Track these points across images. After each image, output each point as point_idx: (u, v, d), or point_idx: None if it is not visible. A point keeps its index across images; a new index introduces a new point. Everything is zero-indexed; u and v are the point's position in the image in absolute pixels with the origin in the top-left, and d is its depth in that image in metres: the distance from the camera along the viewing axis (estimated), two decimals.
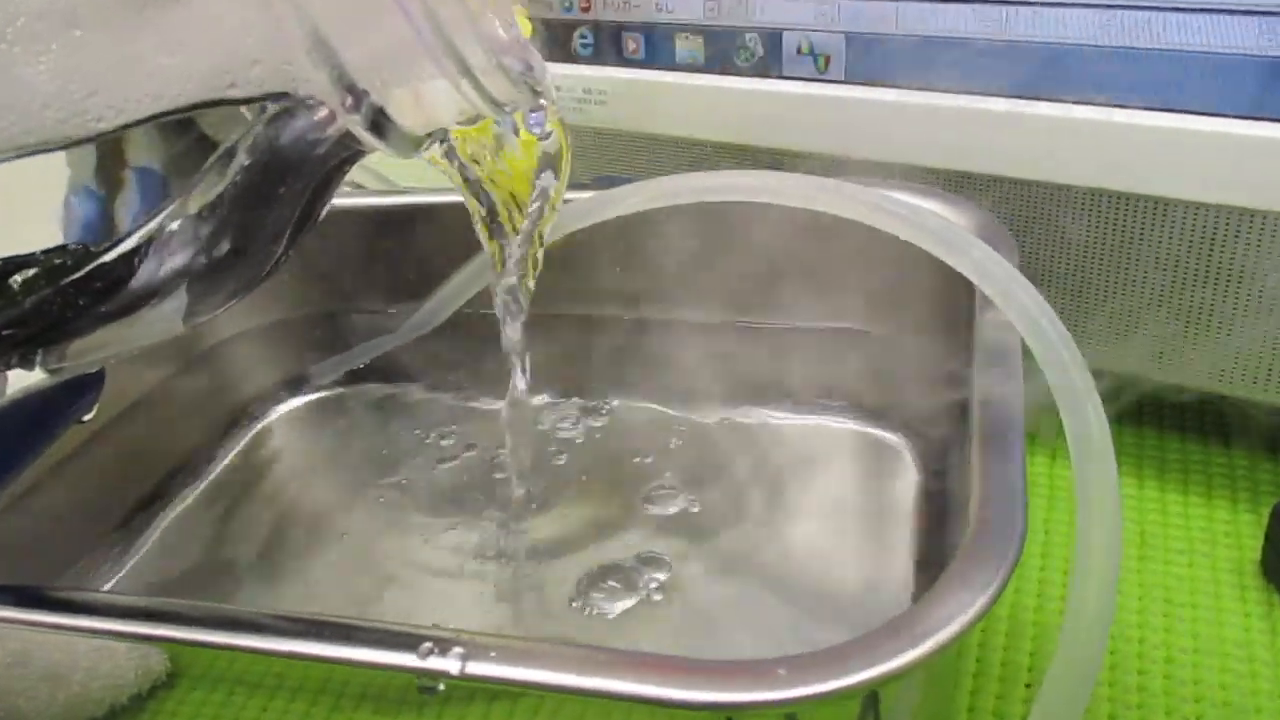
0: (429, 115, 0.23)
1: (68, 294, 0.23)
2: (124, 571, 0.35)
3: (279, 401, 0.41)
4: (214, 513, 0.37)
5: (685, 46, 0.42)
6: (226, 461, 0.39)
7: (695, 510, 0.36)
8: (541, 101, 0.25)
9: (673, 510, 0.36)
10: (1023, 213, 0.37)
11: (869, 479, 0.36)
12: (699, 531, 0.35)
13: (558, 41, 0.45)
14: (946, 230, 0.27)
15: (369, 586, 0.34)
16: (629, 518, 0.35)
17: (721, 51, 0.41)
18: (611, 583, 0.33)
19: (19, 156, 0.19)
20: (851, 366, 0.38)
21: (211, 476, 0.38)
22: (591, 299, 0.40)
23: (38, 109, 0.19)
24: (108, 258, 0.22)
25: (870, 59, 0.38)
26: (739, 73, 0.41)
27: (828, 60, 0.39)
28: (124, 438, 0.36)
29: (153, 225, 0.23)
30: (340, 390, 0.42)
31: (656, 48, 0.42)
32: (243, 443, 0.40)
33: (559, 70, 0.44)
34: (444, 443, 0.40)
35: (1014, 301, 0.25)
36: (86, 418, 0.30)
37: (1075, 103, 0.34)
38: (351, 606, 0.33)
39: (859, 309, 0.37)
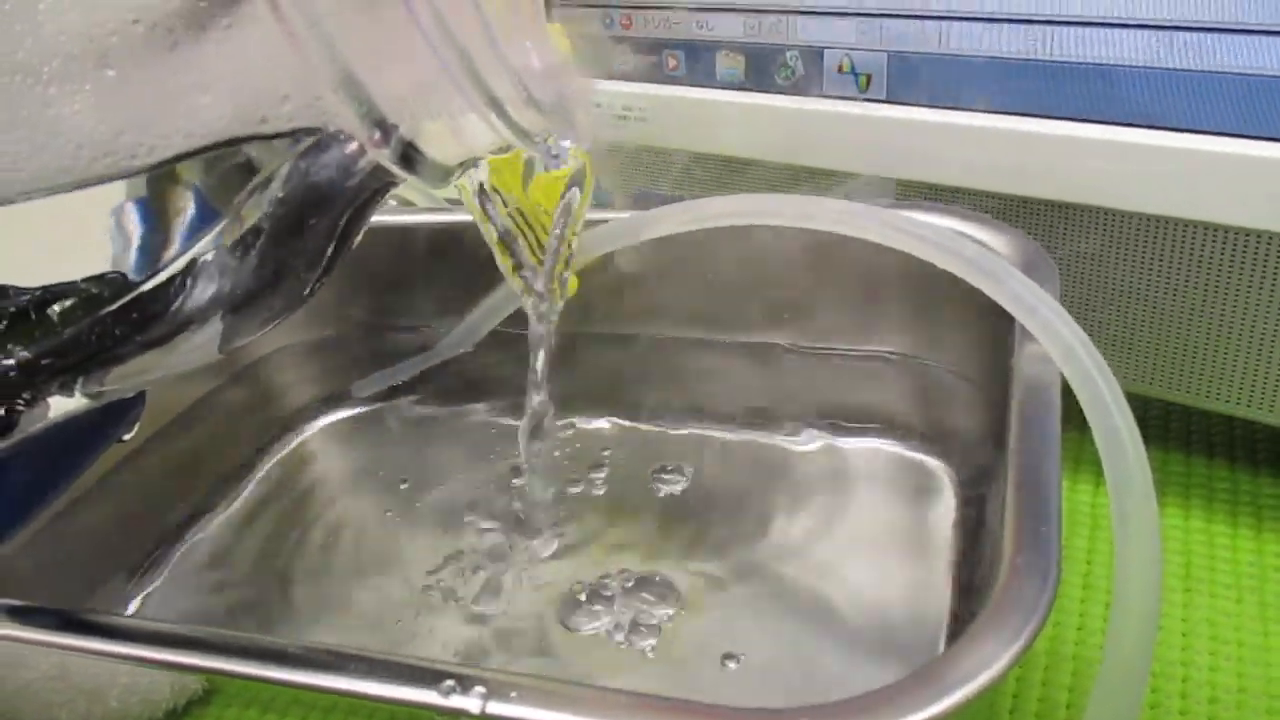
0: (460, 147, 0.23)
1: (106, 323, 0.23)
2: (164, 584, 0.35)
3: (319, 416, 0.42)
4: (253, 526, 0.37)
5: (726, 64, 0.41)
6: (265, 475, 0.40)
7: (727, 532, 0.36)
8: (573, 132, 0.25)
9: (704, 532, 0.36)
10: (1066, 236, 0.36)
11: (907, 503, 0.35)
12: (731, 554, 0.35)
13: (600, 58, 0.45)
14: (985, 260, 0.27)
15: (401, 603, 0.34)
16: (657, 540, 0.35)
17: (762, 69, 0.41)
18: (639, 608, 0.33)
19: (52, 194, 0.20)
20: (891, 390, 0.37)
21: (251, 490, 0.39)
22: (624, 317, 0.40)
23: (72, 149, 0.19)
24: (145, 288, 0.23)
25: (912, 78, 0.37)
26: (779, 91, 0.40)
27: (869, 79, 0.38)
28: (168, 452, 0.37)
29: (189, 255, 0.23)
30: (380, 405, 0.42)
31: (697, 65, 0.42)
32: (281, 456, 0.40)
33: (599, 86, 0.44)
34: (480, 460, 0.40)
35: (1052, 335, 0.25)
36: (127, 437, 0.30)
37: (1123, 125, 0.34)
38: (383, 623, 0.34)
39: (900, 333, 0.37)
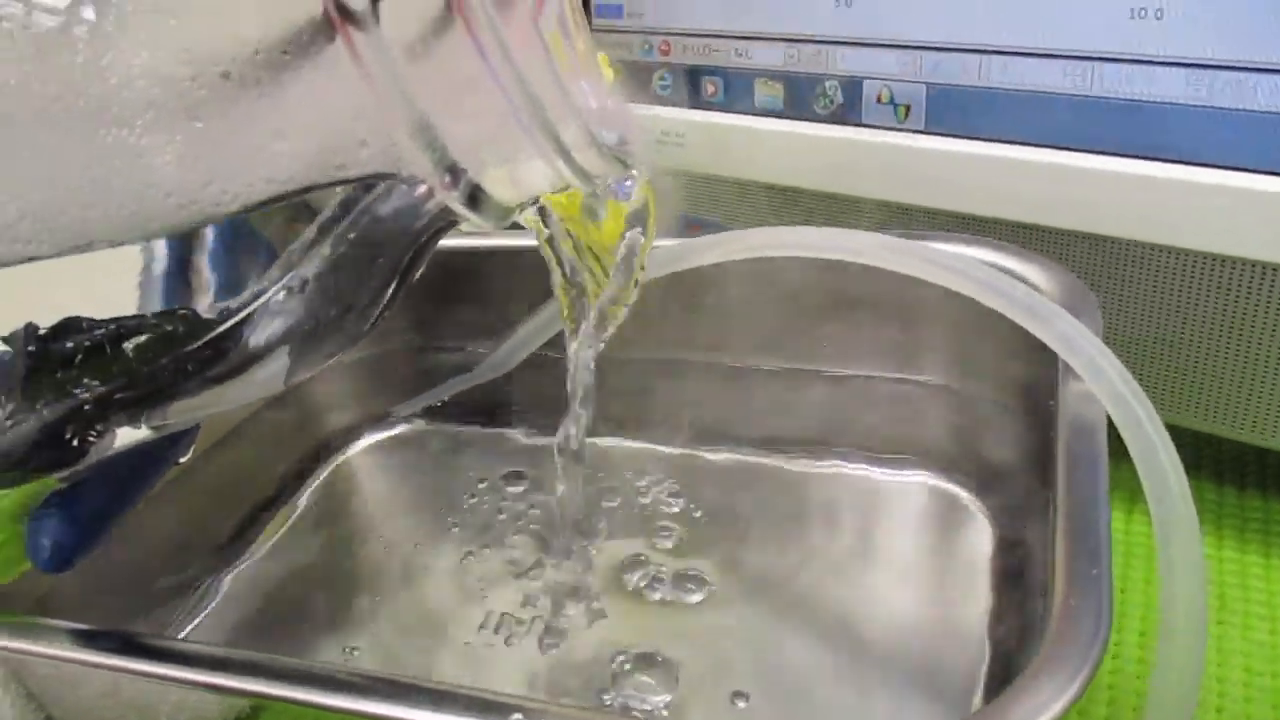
0: (522, 188, 0.24)
1: (180, 360, 0.24)
2: (213, 605, 0.36)
3: (361, 435, 0.42)
4: (299, 547, 0.38)
5: (764, 92, 0.42)
6: (309, 495, 0.40)
7: (756, 559, 0.36)
8: (633, 172, 0.25)
9: (731, 559, 0.36)
10: (1104, 269, 0.37)
11: (942, 535, 0.36)
12: (758, 583, 0.35)
13: (638, 83, 0.45)
14: (1032, 300, 0.27)
15: (441, 627, 0.35)
16: (680, 567, 0.36)
17: (801, 97, 0.41)
18: (661, 637, 0.34)
19: (143, 240, 0.20)
20: (928, 419, 0.38)
21: (296, 511, 0.39)
22: (663, 342, 0.40)
23: (161, 197, 0.19)
24: (220, 328, 0.23)
25: (952, 110, 0.38)
26: (818, 119, 0.41)
27: (908, 109, 0.39)
28: (213, 471, 0.38)
29: (260, 294, 0.23)
30: (420, 426, 0.43)
31: (735, 92, 0.43)
32: (324, 475, 0.41)
33: (637, 111, 0.44)
34: (516, 484, 0.40)
35: (1100, 378, 0.25)
36: (183, 459, 0.31)
37: (1161, 160, 0.34)
38: (424, 648, 0.34)
39: (940, 362, 0.37)
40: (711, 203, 0.46)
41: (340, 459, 0.42)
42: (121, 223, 0.20)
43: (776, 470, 0.40)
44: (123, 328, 0.24)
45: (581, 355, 0.29)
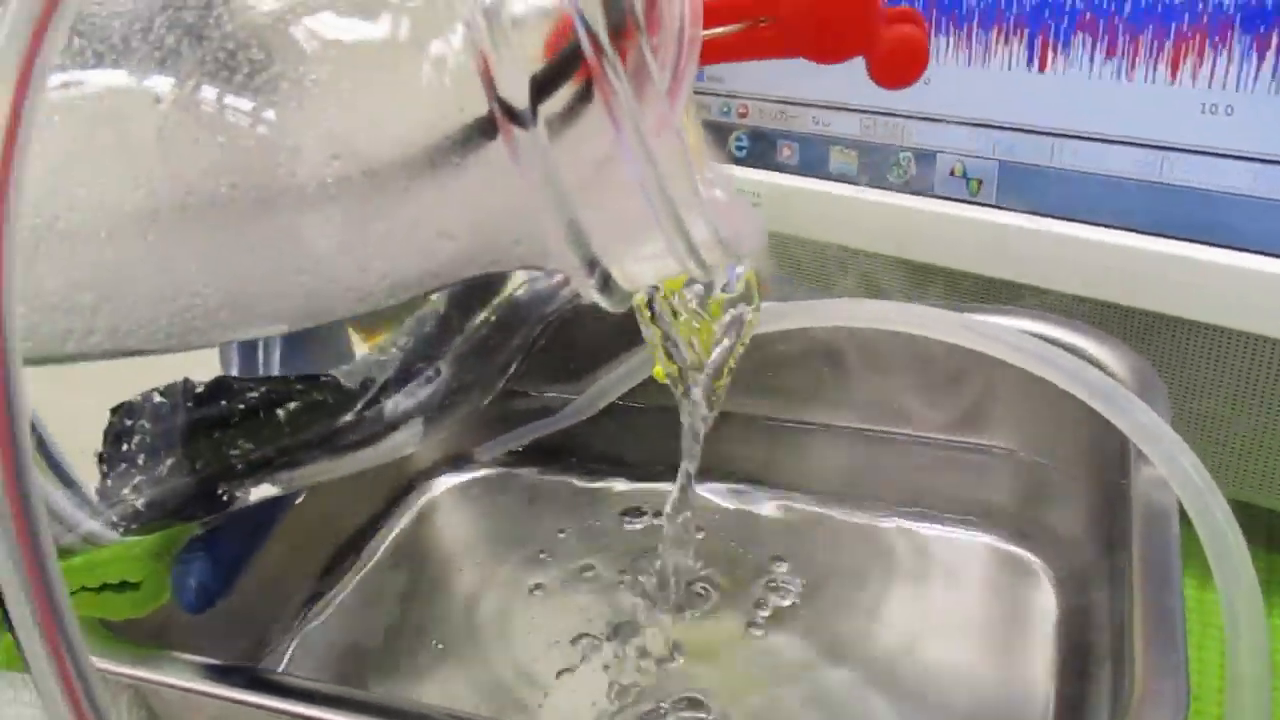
0: (648, 278, 0.26)
1: (326, 428, 0.26)
2: (295, 645, 0.38)
3: (443, 476, 0.44)
4: (385, 588, 0.40)
5: (839, 159, 0.44)
6: (394, 538, 0.42)
7: (822, 613, 0.38)
8: (744, 264, 0.27)
9: (799, 612, 0.38)
10: (1166, 345, 0.38)
11: (1007, 596, 0.37)
12: (819, 638, 0.37)
13: (715, 140, 0.47)
14: (1107, 387, 0.29)
15: (518, 671, 0.37)
16: (756, 615, 0.37)
17: (874, 166, 0.43)
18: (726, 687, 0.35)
19: (315, 323, 0.22)
20: (994, 484, 0.39)
21: (380, 554, 0.41)
22: (732, 395, 0.42)
23: (342, 291, 0.21)
24: (368, 396, 0.25)
25: (1023, 187, 0.39)
26: (890, 188, 0.43)
27: (980, 184, 0.41)
28: (301, 511, 0.39)
29: (403, 367, 0.25)
30: (501, 470, 0.45)
31: (810, 157, 0.44)
32: (408, 517, 0.43)
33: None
34: (598, 529, 0.42)
35: (1177, 471, 0.27)
36: (297, 502, 0.33)
37: (1225, 247, 0.36)
38: (501, 693, 0.36)
39: (1007, 428, 0.39)
40: (781, 257, 0.48)
41: (422, 500, 0.44)
42: (306, 310, 0.22)
43: (841, 525, 0.41)
44: (273, 392, 0.26)
45: (695, 424, 0.31)
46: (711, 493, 0.43)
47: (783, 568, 0.39)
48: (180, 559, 0.28)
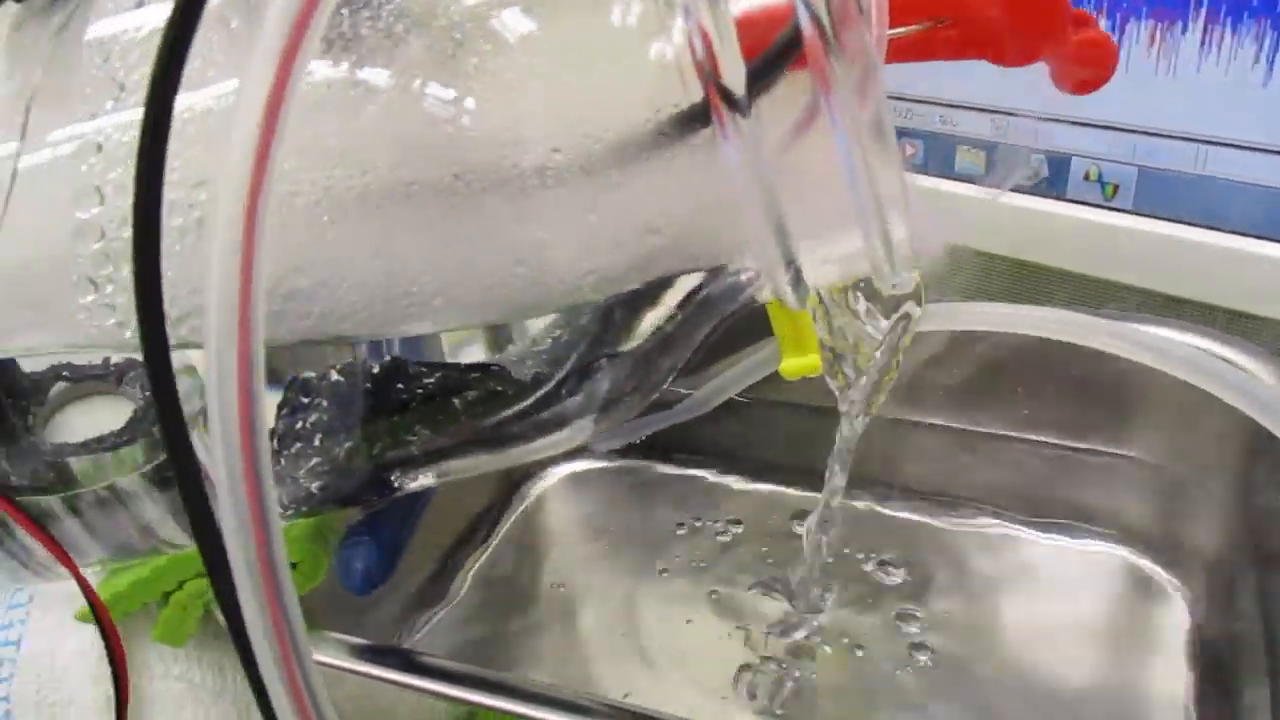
0: (831, 276, 0.25)
1: (501, 419, 0.25)
2: (421, 635, 0.38)
3: (558, 466, 0.44)
4: (499, 572, 0.40)
5: (966, 159, 0.43)
6: (510, 527, 0.42)
7: (949, 619, 0.37)
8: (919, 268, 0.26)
9: (929, 618, 0.37)
10: None
11: (1135, 613, 0.37)
12: (946, 646, 0.36)
13: None
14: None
15: (629, 660, 0.37)
16: (885, 622, 0.37)
17: (998, 165, 0.42)
18: (865, 694, 0.35)
19: (520, 320, 0.22)
20: (1129, 494, 0.39)
21: (497, 543, 0.41)
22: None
23: (553, 284, 0.21)
24: (546, 389, 0.25)
25: (1163, 193, 0.39)
26: (1020, 190, 0.42)
27: (1116, 188, 0.40)
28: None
29: (582, 362, 0.25)
30: (617, 462, 0.44)
31: (936, 156, 0.44)
32: (523, 507, 0.43)
33: None
34: (705, 522, 0.42)
35: None
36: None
37: None
38: (613, 679, 0.36)
39: (1147, 438, 0.38)
40: None
41: (537, 489, 0.44)
42: (518, 303, 0.21)
43: (970, 532, 0.41)
44: (449, 379, 0.26)
45: (855, 423, 0.31)
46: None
47: (903, 570, 0.39)
48: (345, 544, 0.28)
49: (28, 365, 0.27)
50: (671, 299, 0.25)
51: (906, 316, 0.29)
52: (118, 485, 0.27)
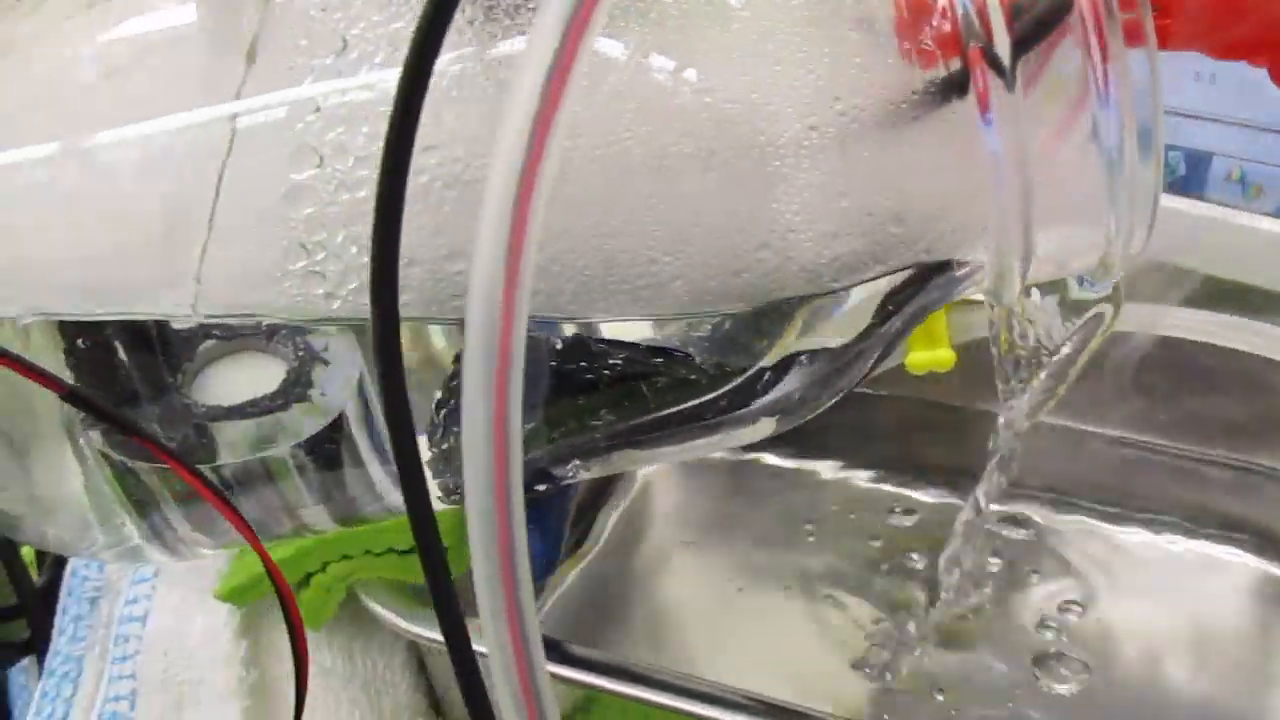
0: (1048, 272, 0.24)
1: (690, 408, 0.24)
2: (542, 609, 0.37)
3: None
4: (611, 561, 0.39)
5: None
6: (619, 513, 0.40)
7: (1084, 626, 0.36)
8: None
9: (1063, 625, 0.36)
10: None
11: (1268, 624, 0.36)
12: (1089, 650, 0.36)
13: None
14: None
15: (751, 653, 0.36)
16: (1021, 626, 0.36)
17: None
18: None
19: (762, 304, 0.21)
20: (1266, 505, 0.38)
21: (607, 527, 0.40)
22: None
23: (796, 270, 0.20)
24: (740, 381, 0.24)
25: None
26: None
27: (1260, 189, 0.39)
28: None
29: (785, 358, 0.23)
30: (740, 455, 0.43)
31: None
32: (631, 495, 0.41)
33: None
34: (816, 516, 0.41)
35: None
36: None
37: None
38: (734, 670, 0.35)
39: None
40: None
41: (643, 478, 0.42)
42: (760, 288, 0.20)
43: (1122, 538, 0.39)
44: (636, 363, 0.24)
45: (1016, 422, 0.30)
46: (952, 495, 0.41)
47: (1051, 578, 0.38)
48: None
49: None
50: (861, 294, 0.23)
51: (1099, 317, 0.27)
52: (269, 459, 0.25)
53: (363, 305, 0.20)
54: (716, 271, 0.20)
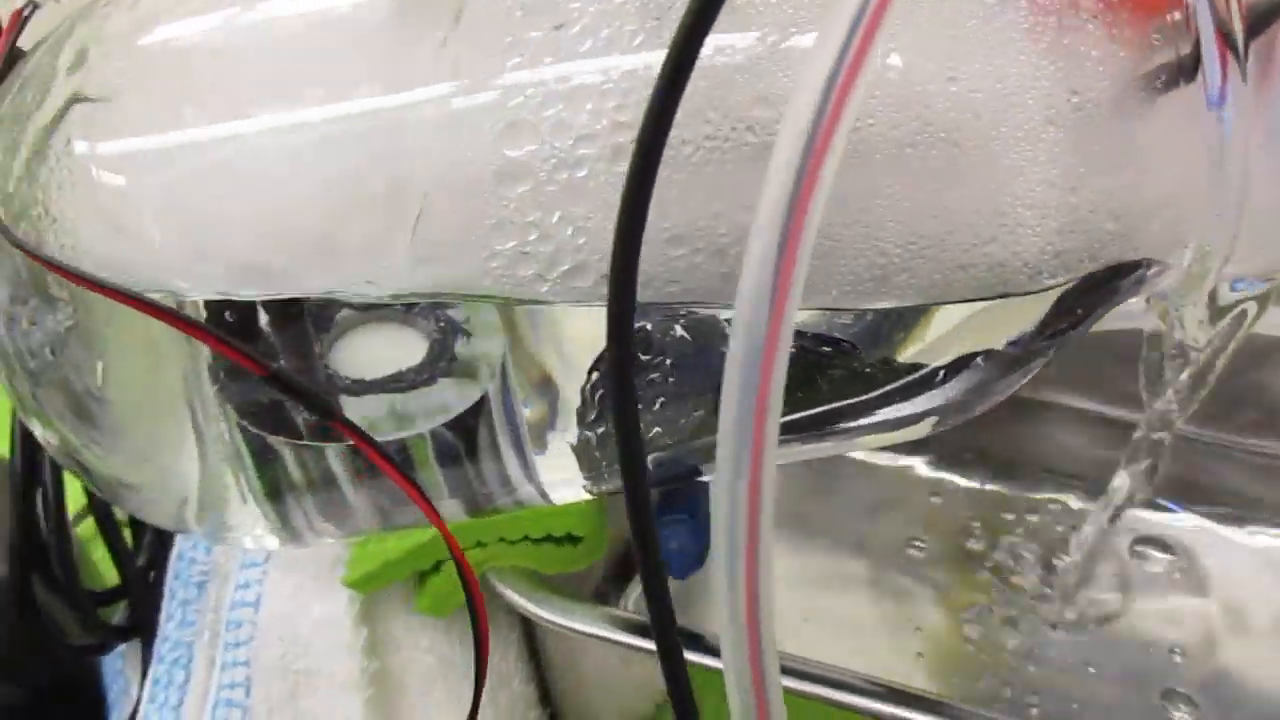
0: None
1: (866, 404, 0.23)
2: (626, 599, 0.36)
3: None
4: None
5: None
6: None
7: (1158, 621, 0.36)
8: None
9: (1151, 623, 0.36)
10: None
11: None
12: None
13: None
14: None
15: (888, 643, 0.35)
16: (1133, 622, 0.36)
17: None
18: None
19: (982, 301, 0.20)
20: None
21: None
22: (1077, 389, 0.40)
23: (1019, 267, 0.19)
24: (915, 376, 0.23)
25: None
26: None
27: None
28: None
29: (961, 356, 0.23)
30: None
31: None
32: None
33: None
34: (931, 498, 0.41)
35: None
36: None
37: None
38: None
39: None
40: None
41: None
42: (983, 283, 0.19)
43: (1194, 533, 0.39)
44: (808, 351, 0.23)
45: (1164, 416, 0.29)
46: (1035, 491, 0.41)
47: (1167, 576, 0.37)
48: (663, 523, 0.26)
49: None
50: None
51: (1243, 314, 0.27)
52: (407, 440, 0.24)
53: (573, 288, 0.19)
54: (943, 266, 0.19)
